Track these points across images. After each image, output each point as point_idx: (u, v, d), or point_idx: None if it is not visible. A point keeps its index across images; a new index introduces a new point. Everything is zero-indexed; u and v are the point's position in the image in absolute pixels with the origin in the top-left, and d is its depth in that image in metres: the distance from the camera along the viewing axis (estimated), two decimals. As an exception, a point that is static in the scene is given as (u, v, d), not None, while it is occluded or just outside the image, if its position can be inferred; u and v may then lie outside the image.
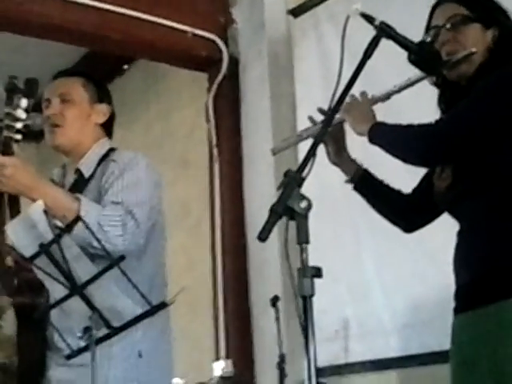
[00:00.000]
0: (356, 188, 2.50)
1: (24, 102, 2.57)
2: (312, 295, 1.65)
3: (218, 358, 4.24)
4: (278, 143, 2.79)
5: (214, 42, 4.61)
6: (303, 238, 1.68)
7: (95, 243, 2.33)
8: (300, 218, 1.69)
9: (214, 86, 4.64)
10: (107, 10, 4.30)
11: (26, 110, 2.59)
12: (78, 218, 2.28)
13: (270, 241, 1.73)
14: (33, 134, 2.80)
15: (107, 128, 2.94)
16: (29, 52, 5.48)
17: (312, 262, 1.70)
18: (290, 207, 1.69)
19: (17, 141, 2.59)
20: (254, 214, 4.30)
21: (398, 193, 2.47)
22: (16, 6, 4.08)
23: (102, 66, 5.48)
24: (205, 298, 4.56)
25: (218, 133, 4.60)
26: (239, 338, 4.29)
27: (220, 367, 3.98)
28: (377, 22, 1.96)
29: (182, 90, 5.27)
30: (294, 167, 1.80)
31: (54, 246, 2.14)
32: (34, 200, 2.43)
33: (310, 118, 2.48)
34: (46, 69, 5.95)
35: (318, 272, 1.66)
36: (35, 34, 4.48)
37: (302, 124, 2.93)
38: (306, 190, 1.74)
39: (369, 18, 1.97)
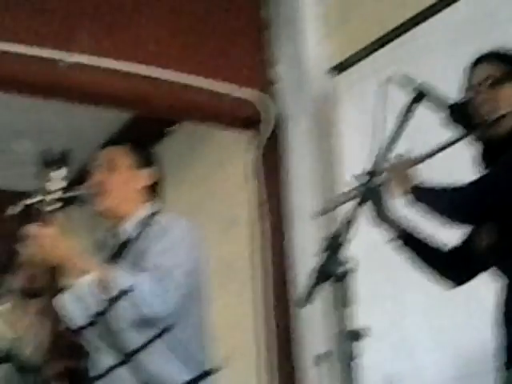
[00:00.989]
0: (400, 247, 2.52)
1: (58, 173, 2.64)
2: (355, 358, 1.66)
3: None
4: (323, 205, 2.82)
5: (256, 101, 4.67)
6: (346, 301, 1.70)
7: (132, 315, 2.37)
8: (343, 282, 1.71)
9: (258, 145, 4.69)
10: (152, 77, 4.38)
11: (64, 179, 2.66)
12: (122, 291, 2.32)
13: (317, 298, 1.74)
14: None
15: (153, 191, 2.99)
16: (77, 115, 5.60)
17: (356, 319, 1.72)
18: (332, 271, 1.71)
19: (57, 209, 2.66)
20: (298, 273, 4.31)
21: (440, 251, 2.48)
22: (64, 73, 4.17)
23: (147, 128, 5.59)
24: (249, 356, 4.55)
25: (262, 192, 4.64)
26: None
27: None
28: (416, 84, 1.99)
29: (226, 150, 5.33)
30: (337, 227, 1.82)
31: (102, 317, 2.17)
32: (71, 270, 2.50)
33: (353, 178, 2.51)
34: (94, 131, 6.11)
35: (361, 334, 1.68)
36: (82, 101, 4.58)
37: (346, 181, 2.95)
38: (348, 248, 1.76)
39: (408, 81, 2.00)
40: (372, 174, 2.13)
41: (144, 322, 2.38)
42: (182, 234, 2.77)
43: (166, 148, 5.72)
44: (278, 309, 4.40)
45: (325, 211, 2.70)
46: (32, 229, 2.61)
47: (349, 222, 1.77)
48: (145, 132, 5.55)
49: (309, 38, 4.53)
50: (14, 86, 4.24)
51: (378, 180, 2.25)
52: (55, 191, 2.64)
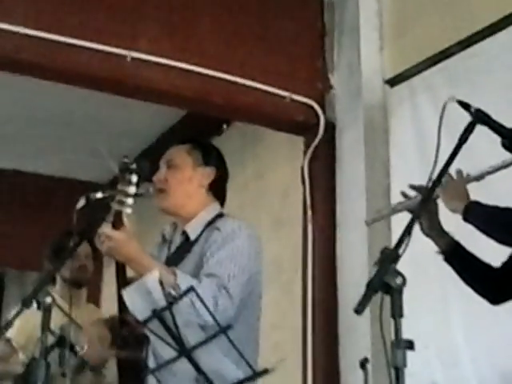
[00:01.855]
0: (447, 259, 2.58)
1: (135, 178, 2.77)
2: (404, 366, 1.76)
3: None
4: (372, 214, 2.91)
5: (311, 106, 4.76)
6: (397, 312, 1.80)
7: (190, 319, 2.48)
8: (395, 293, 1.81)
9: (310, 150, 4.78)
10: (209, 76, 4.50)
11: (137, 184, 2.79)
12: (183, 291, 2.42)
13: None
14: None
15: (217, 191, 3.08)
16: (134, 110, 5.75)
17: (405, 327, 1.81)
18: (386, 283, 1.81)
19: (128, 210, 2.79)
20: (345, 275, 4.39)
21: (488, 266, 2.55)
22: (126, 70, 4.31)
23: (201, 126, 5.70)
24: (294, 354, 4.63)
25: (312, 195, 4.72)
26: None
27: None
28: (472, 109, 2.07)
29: (278, 152, 5.42)
30: (387, 235, 1.92)
31: (166, 312, 2.29)
32: (137, 268, 2.64)
33: (403, 194, 2.60)
34: (149, 126, 6.26)
35: (410, 344, 1.78)
36: (141, 97, 4.72)
37: (396, 191, 3.01)
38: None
39: (465, 105, 2.09)
40: (426, 188, 2.21)
41: (200, 326, 2.49)
42: (243, 244, 2.84)
43: (219, 146, 5.80)
44: (325, 310, 4.49)
45: (372, 221, 2.78)
46: (106, 229, 2.75)
47: (402, 238, 1.87)
48: (198, 129, 5.67)
49: (366, 48, 4.60)
50: (80, 80, 4.40)
51: (431, 194, 2.32)
52: (128, 194, 2.77)
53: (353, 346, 4.24)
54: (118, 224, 2.77)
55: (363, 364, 3.91)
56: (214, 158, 3.11)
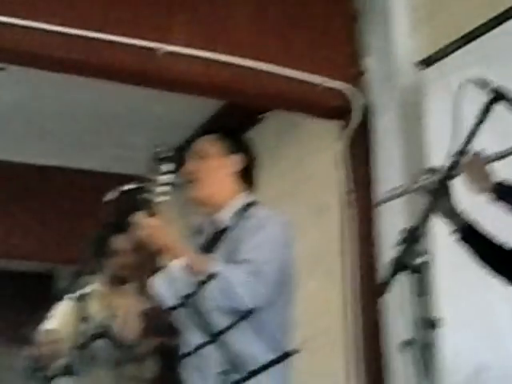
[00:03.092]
0: (463, 239, 2.55)
1: (168, 167, 2.80)
2: (432, 344, 1.77)
3: (350, 401, 4.32)
4: (388, 193, 2.88)
5: (345, 91, 4.75)
6: (423, 291, 1.81)
7: (223, 304, 2.51)
8: (420, 272, 1.81)
9: (347, 135, 4.78)
10: (242, 65, 4.52)
11: (171, 172, 2.82)
12: (210, 277, 2.46)
13: (400, 288, 1.84)
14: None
15: (246, 179, 3.11)
16: (172, 103, 5.80)
17: (446, 308, 1.82)
18: (409, 262, 1.82)
19: (164, 201, 2.83)
20: (386, 259, 4.38)
21: (502, 247, 2.51)
22: (161, 63, 4.35)
23: (238, 116, 5.74)
24: (337, 342, 4.65)
25: (350, 180, 4.73)
26: (374, 381, 4.35)
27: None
28: (492, 87, 2.06)
29: (315, 138, 5.42)
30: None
31: (192, 298, 2.32)
32: (170, 256, 2.67)
33: (418, 174, 2.58)
34: (188, 118, 6.31)
35: (438, 323, 1.78)
36: (177, 89, 4.76)
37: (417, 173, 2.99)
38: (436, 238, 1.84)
39: (485, 83, 2.07)
40: (443, 169, 2.21)
41: (231, 311, 2.52)
42: (276, 230, 2.87)
43: (256, 135, 5.84)
44: (365, 295, 4.50)
45: (388, 199, 2.77)
46: (140, 218, 2.78)
47: (426, 215, 1.87)
48: (236, 119, 5.70)
49: (398, 30, 4.58)
50: (114, 74, 4.45)
51: (449, 174, 2.30)
52: (164, 184, 2.81)
53: (394, 329, 4.23)
54: (152, 213, 2.81)
55: (405, 346, 3.91)
56: (240, 146, 3.14)
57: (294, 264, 2.99)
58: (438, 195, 2.44)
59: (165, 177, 2.82)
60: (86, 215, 7.05)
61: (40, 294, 7.66)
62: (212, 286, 2.55)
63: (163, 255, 2.79)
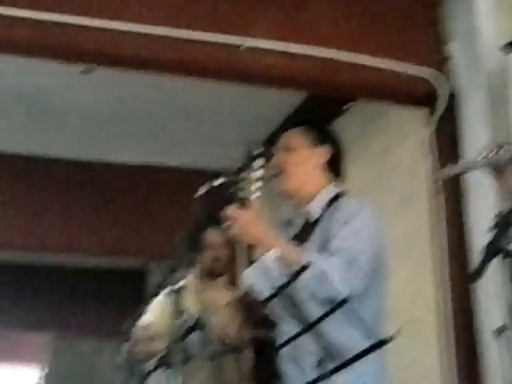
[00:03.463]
0: None
1: (259, 163, 2.83)
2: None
3: (447, 389, 4.29)
4: (446, 170, 2.83)
5: (431, 78, 4.70)
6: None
7: (319, 294, 2.53)
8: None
9: (433, 121, 4.73)
10: (325, 57, 4.53)
11: (262, 167, 2.85)
12: (304, 267, 2.48)
13: (494, 274, 1.83)
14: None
15: (334, 169, 3.12)
16: (257, 97, 5.84)
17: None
18: (503, 247, 1.80)
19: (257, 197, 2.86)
20: (477, 245, 4.33)
21: None
22: (244, 57, 4.39)
23: (323, 107, 5.73)
24: (431, 328, 4.62)
25: (438, 167, 4.68)
26: (468, 369, 4.31)
27: (449, 398, 4.03)
28: None
29: (401, 127, 5.39)
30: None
31: (286, 289, 2.35)
32: (263, 248, 2.70)
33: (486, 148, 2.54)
34: (273, 112, 6.35)
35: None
36: (260, 84, 4.80)
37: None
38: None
39: None
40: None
41: (327, 300, 2.53)
42: (367, 220, 2.89)
43: (342, 126, 5.83)
44: (457, 282, 4.45)
45: (444, 176, 2.73)
46: (233, 211, 2.83)
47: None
48: (321, 110, 5.70)
49: (483, 14, 4.51)
50: (197, 71, 4.52)
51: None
52: (256, 180, 2.84)
53: (489, 314, 4.18)
54: (244, 207, 2.85)
55: (499, 333, 3.86)
56: (327, 137, 3.15)
57: (386, 253, 2.98)
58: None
59: (257, 173, 2.85)
60: (178, 211, 7.16)
61: (135, 290, 7.81)
62: (307, 276, 2.57)
63: (256, 248, 2.82)
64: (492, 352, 4.11)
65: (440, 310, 4.52)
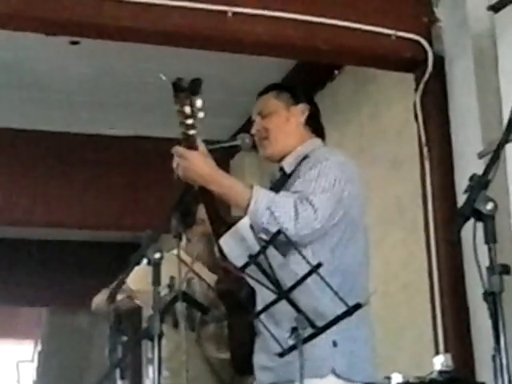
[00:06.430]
0: None
1: (197, 102, 2.71)
2: (501, 292, 1.75)
3: (437, 353, 4.30)
4: (487, 144, 2.83)
5: (418, 42, 4.68)
6: (490, 238, 1.79)
7: (269, 228, 2.55)
8: (487, 219, 1.79)
9: (421, 85, 4.71)
10: (313, 22, 4.50)
11: (196, 107, 2.73)
12: (279, 232, 2.46)
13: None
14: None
15: (313, 126, 3.14)
16: (245, 65, 5.80)
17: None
18: (477, 209, 1.79)
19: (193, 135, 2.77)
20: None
21: None
22: (231, 25, 4.37)
23: (312, 74, 5.72)
24: (422, 293, 4.63)
25: (426, 131, 4.67)
26: (457, 333, 4.32)
27: (440, 362, 4.03)
28: None
29: (390, 91, 5.37)
30: (502, 166, 1.88)
31: (261, 256, 2.34)
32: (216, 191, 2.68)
33: None
34: (262, 80, 6.29)
35: (506, 269, 1.76)
36: (247, 51, 4.77)
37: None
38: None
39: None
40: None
41: (284, 243, 2.52)
42: (331, 166, 2.87)
43: (330, 92, 5.84)
44: (448, 246, 4.43)
45: (485, 153, 2.73)
46: (178, 149, 2.79)
47: (490, 165, 1.84)
48: (309, 78, 5.68)
49: (467, -24, 4.48)
50: (185, 39, 4.50)
51: None
52: (194, 117, 2.73)
53: (479, 280, 4.18)
54: (191, 146, 2.79)
55: (487, 297, 3.86)
56: (302, 95, 3.16)
57: (359, 205, 2.96)
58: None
59: (186, 108, 2.74)
60: (170, 183, 7.15)
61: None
62: (252, 214, 2.61)
63: (205, 186, 2.79)
64: (483, 315, 4.12)
65: (433, 273, 4.52)
